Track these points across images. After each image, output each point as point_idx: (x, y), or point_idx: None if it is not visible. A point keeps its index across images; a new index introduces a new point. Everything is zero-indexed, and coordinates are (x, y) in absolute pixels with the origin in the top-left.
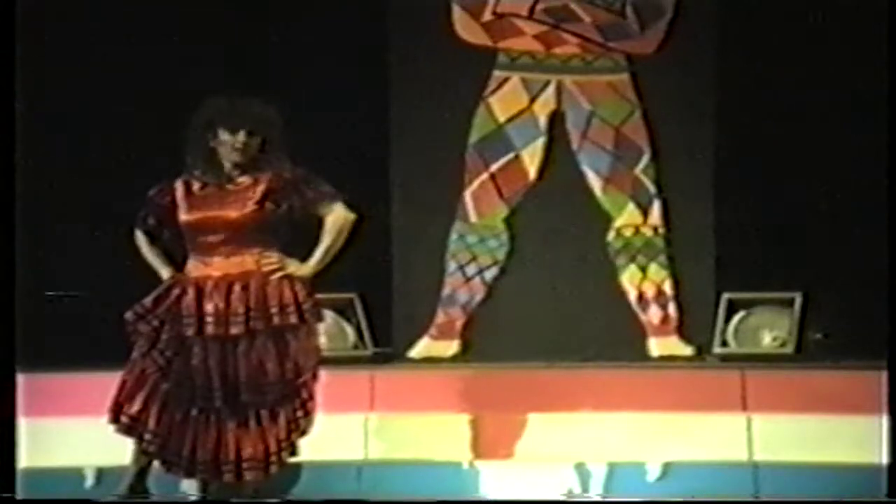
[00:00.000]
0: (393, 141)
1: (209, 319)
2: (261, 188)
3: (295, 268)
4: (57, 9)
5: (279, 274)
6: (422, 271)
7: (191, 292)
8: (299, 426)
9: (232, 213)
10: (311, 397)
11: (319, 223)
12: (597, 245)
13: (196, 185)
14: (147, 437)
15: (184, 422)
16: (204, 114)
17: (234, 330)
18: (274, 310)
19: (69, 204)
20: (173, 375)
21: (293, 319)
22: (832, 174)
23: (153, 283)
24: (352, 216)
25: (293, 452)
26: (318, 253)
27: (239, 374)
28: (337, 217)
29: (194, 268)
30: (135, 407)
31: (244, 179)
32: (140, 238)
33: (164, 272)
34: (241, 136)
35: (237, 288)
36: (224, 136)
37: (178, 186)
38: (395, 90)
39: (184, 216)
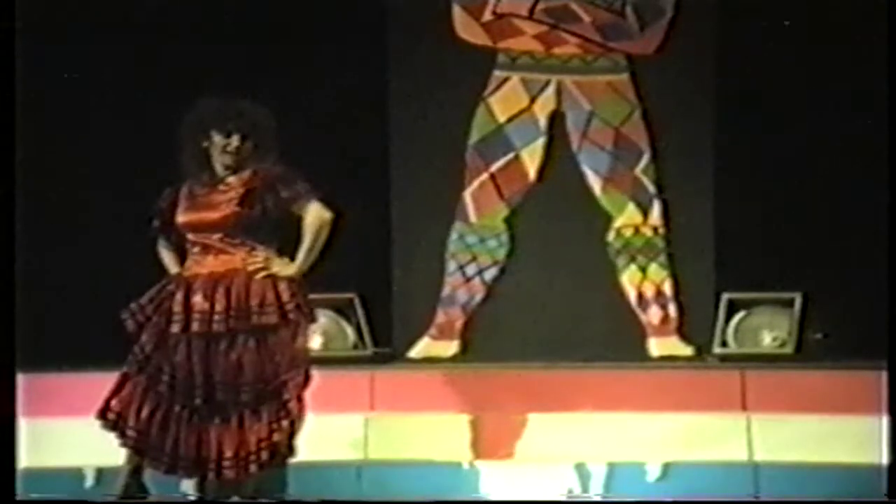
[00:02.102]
0: (393, 141)
1: (195, 317)
2: (242, 189)
3: (280, 267)
4: (56, 9)
5: (263, 273)
6: (422, 271)
7: (181, 290)
8: (281, 427)
9: (215, 214)
10: (295, 398)
11: (300, 222)
12: (597, 245)
13: (197, 187)
14: (129, 432)
15: (166, 418)
16: (196, 115)
17: (216, 328)
18: (254, 309)
19: (69, 204)
20: (151, 371)
21: (273, 319)
22: (832, 174)
23: (153, 283)
24: (328, 215)
25: (274, 453)
26: (301, 253)
27: (217, 372)
28: (313, 217)
29: (188, 267)
30: (117, 402)
31: (233, 180)
32: (157, 241)
33: (173, 272)
34: (235, 140)
35: (221, 286)
36: (217, 138)
37: (184, 189)
38: (395, 90)
39: (179, 217)
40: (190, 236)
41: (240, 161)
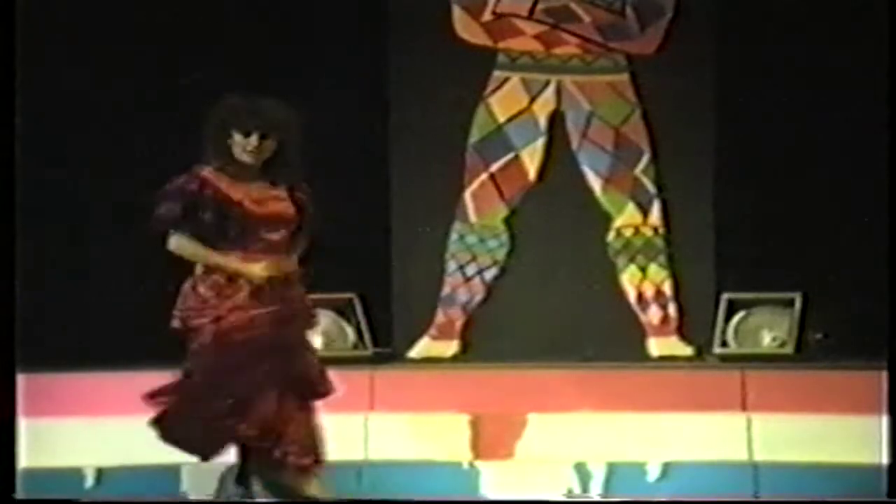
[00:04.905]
0: (393, 141)
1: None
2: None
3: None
4: (61, 8)
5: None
6: (422, 271)
7: (247, 289)
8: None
9: (289, 212)
10: None
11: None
12: (597, 245)
13: (229, 180)
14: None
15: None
16: (218, 113)
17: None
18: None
19: (69, 204)
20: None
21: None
22: (832, 174)
23: (153, 283)
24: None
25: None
26: None
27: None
28: None
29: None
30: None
31: (264, 182)
32: (176, 238)
33: (221, 259)
34: (254, 139)
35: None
36: (237, 137)
37: (210, 174)
38: (395, 90)
39: (253, 207)
40: (259, 231)
41: (262, 160)
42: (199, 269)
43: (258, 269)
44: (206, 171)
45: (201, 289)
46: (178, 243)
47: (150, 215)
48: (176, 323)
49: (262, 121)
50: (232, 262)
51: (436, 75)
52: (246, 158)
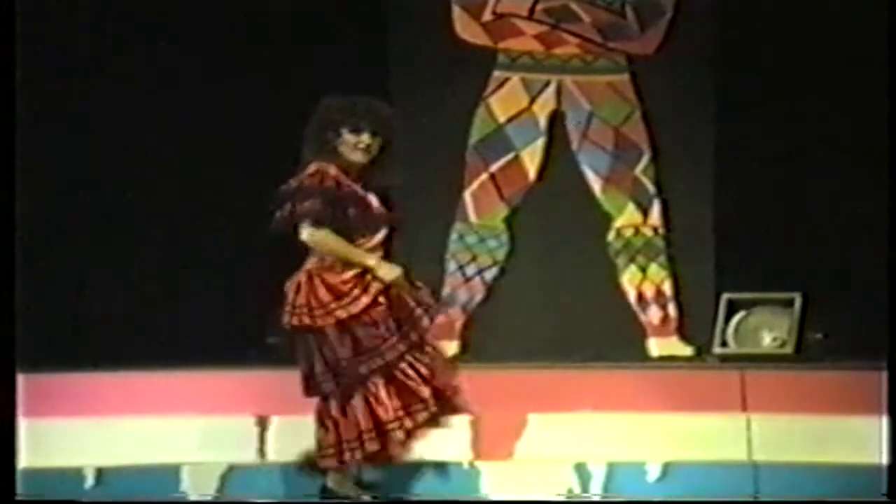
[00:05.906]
0: (393, 141)
1: None
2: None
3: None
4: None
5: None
6: (422, 271)
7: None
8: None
9: (385, 212)
10: None
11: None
12: (597, 245)
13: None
14: None
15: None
16: (325, 112)
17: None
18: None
19: (69, 203)
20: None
21: None
22: (832, 174)
23: (153, 283)
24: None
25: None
26: None
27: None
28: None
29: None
30: None
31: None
32: (316, 231)
33: (368, 259)
34: (366, 136)
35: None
36: (348, 136)
37: (336, 171)
38: (395, 90)
39: (374, 205)
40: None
41: (370, 159)
42: (314, 265)
43: (390, 268)
44: (332, 168)
45: (330, 282)
46: (319, 237)
47: (270, 213)
48: (295, 321)
49: (373, 118)
50: (369, 258)
51: (436, 75)
52: (357, 157)
